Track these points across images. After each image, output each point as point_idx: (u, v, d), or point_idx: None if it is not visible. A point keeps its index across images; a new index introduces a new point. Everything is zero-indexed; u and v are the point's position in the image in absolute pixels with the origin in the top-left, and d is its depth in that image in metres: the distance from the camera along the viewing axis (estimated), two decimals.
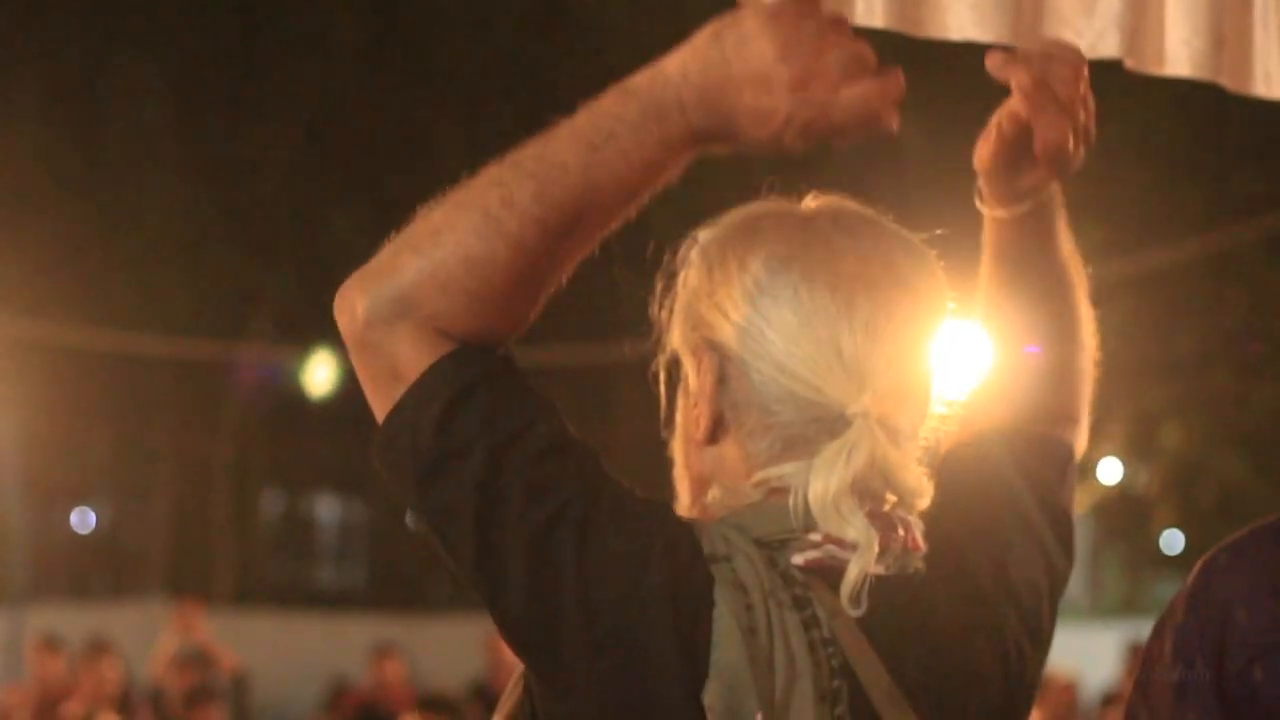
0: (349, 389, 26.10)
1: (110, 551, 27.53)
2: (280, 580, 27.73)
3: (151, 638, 16.97)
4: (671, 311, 1.79)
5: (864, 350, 1.69)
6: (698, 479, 1.77)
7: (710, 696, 1.59)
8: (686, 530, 1.68)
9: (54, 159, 22.78)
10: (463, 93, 23.44)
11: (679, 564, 1.64)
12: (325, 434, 28.43)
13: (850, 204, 1.80)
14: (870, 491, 1.69)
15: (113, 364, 24.26)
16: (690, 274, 1.78)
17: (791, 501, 1.67)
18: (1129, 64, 2.46)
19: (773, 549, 1.68)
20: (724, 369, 1.72)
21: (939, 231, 1.85)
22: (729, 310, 1.72)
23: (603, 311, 8.65)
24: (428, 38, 23.00)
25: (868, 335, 1.69)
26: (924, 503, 1.74)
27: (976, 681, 1.76)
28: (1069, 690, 10.94)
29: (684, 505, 1.79)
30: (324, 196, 23.36)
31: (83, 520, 27.78)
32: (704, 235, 1.79)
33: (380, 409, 1.70)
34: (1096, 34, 2.38)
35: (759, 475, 1.71)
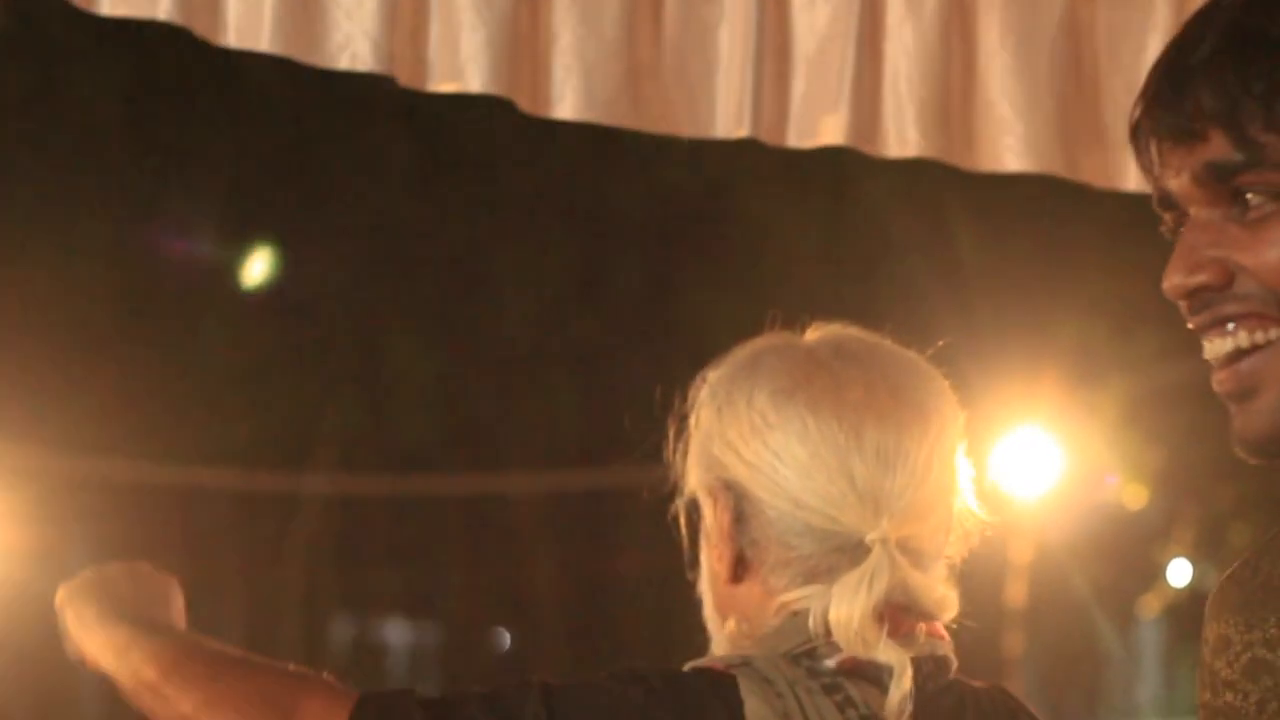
0: (417, 514, 26.17)
1: None
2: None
3: None
4: (685, 454, 1.81)
5: (877, 476, 1.71)
6: (727, 617, 1.79)
7: None
8: (684, 673, 1.69)
9: (113, 293, 22.98)
10: (521, 216, 23.57)
11: (683, 687, 1.64)
12: (393, 559, 28.48)
13: (852, 331, 1.84)
14: (895, 614, 1.71)
15: (176, 499, 24.37)
16: (701, 414, 1.81)
17: (811, 621, 1.70)
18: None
19: (800, 658, 1.69)
20: (740, 507, 1.75)
21: (941, 343, 1.88)
22: (739, 448, 1.75)
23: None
24: (485, 163, 23.17)
25: (879, 461, 1.72)
26: (949, 615, 1.77)
27: None
28: None
29: (717, 645, 1.80)
30: (385, 324, 23.48)
31: None
32: (712, 375, 1.82)
33: None
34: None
35: (778, 601, 1.73)
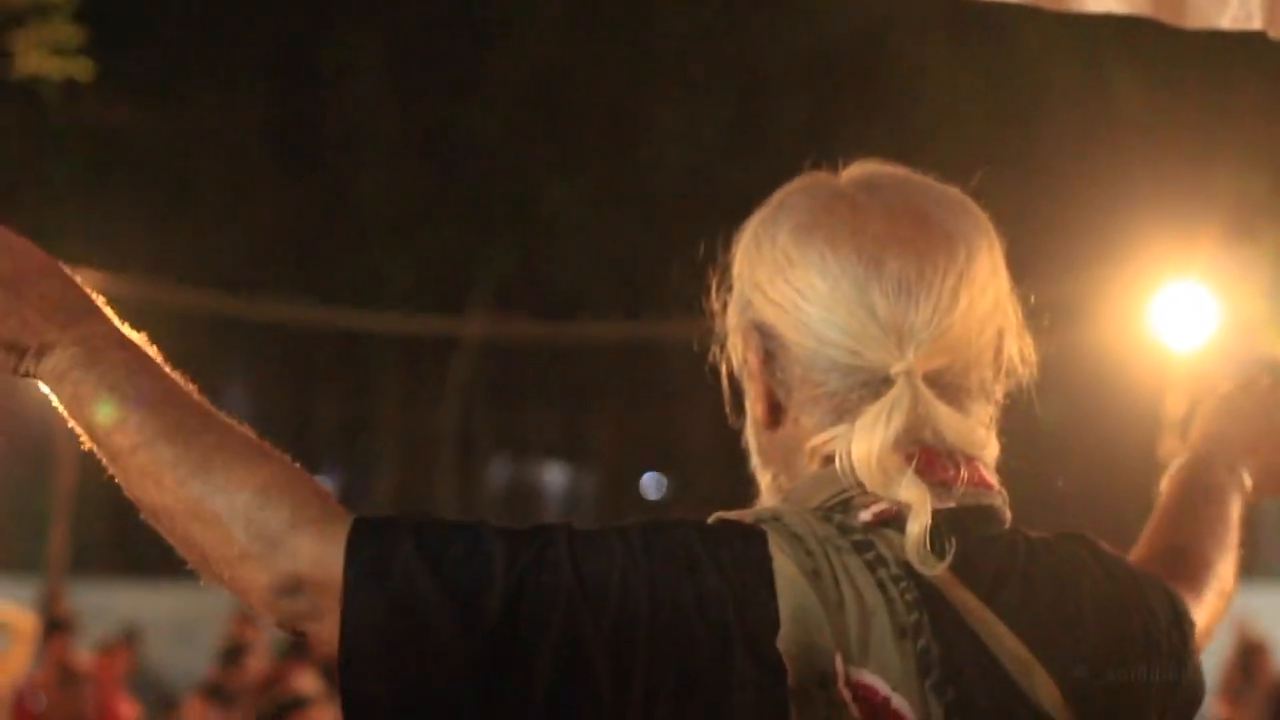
0: (575, 356, 26.38)
1: None
2: None
3: None
4: (726, 300, 1.76)
5: (899, 307, 1.64)
6: (770, 464, 1.73)
7: (784, 642, 1.53)
8: (711, 523, 1.62)
9: (276, 140, 23.26)
10: (676, 68, 23.51)
11: (712, 538, 1.58)
12: (551, 402, 28.78)
13: (882, 166, 1.76)
14: (923, 449, 1.63)
15: (338, 339, 24.76)
16: (737, 258, 1.76)
17: (839, 466, 1.63)
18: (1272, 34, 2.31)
19: (832, 512, 1.62)
20: (769, 348, 1.69)
21: (980, 174, 1.80)
22: (766, 288, 1.70)
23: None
24: (643, 14, 23.11)
25: (901, 291, 1.64)
26: (988, 455, 1.68)
27: (1079, 629, 1.67)
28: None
29: (764, 486, 1.74)
30: (542, 170, 23.59)
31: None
32: (750, 220, 1.76)
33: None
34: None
35: (810, 444, 1.66)
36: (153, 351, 1.66)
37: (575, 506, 30.19)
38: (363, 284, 22.62)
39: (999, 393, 1.72)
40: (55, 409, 1.64)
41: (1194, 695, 1.81)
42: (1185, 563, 1.96)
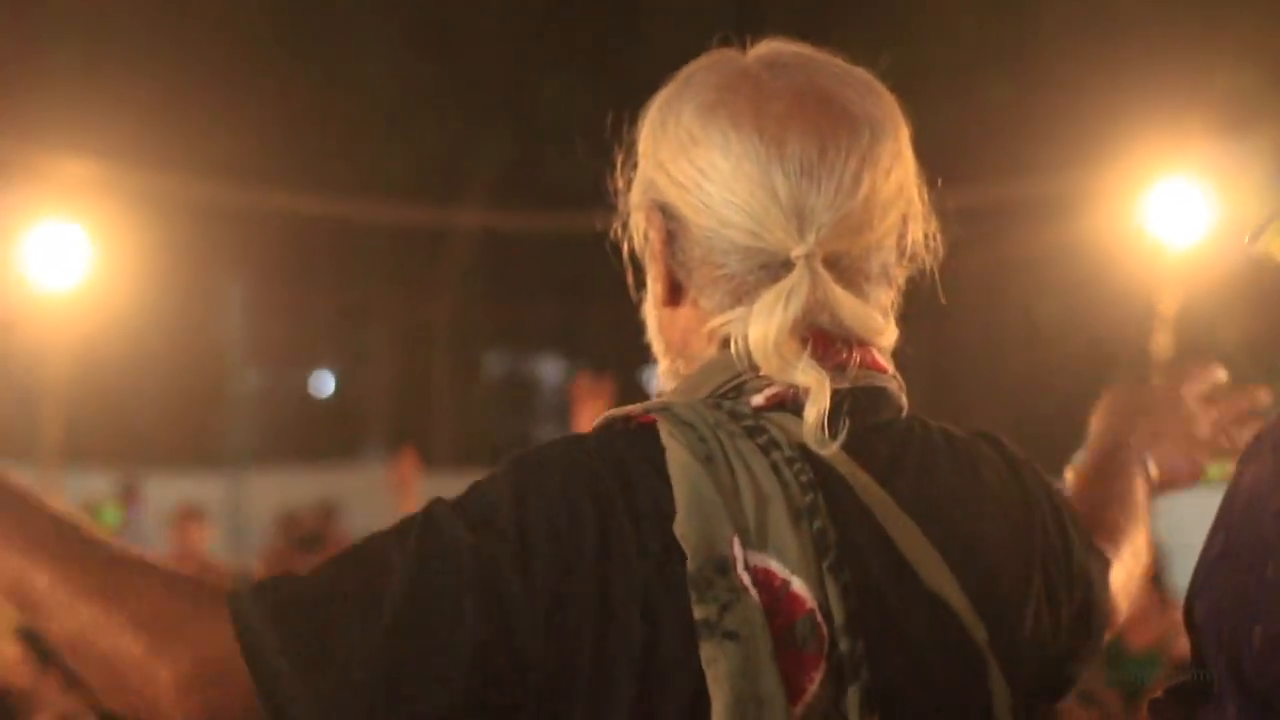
0: (570, 251, 26.35)
1: (335, 415, 28.17)
2: (502, 441, 28.20)
3: (375, 499, 17.46)
4: (630, 177, 1.74)
5: (800, 190, 1.61)
6: (669, 344, 1.73)
7: (680, 526, 1.52)
8: (596, 429, 1.64)
9: (275, 28, 23.14)
10: None
11: (598, 445, 1.59)
12: (547, 295, 28.78)
13: (789, 44, 1.73)
14: (818, 332, 1.62)
15: (335, 230, 24.75)
16: (642, 135, 1.73)
17: (734, 349, 1.62)
18: None
19: (725, 398, 1.62)
20: (671, 228, 1.67)
21: (886, 61, 1.77)
22: (669, 167, 1.67)
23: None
24: None
25: (803, 173, 1.62)
26: (885, 340, 1.68)
27: (978, 526, 1.66)
28: None
29: (662, 370, 1.74)
30: (539, 61, 23.50)
31: (319, 384, 28.36)
32: (656, 97, 1.74)
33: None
34: None
35: (707, 327, 1.65)
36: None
37: (568, 398, 30.23)
38: (360, 174, 22.58)
39: (901, 278, 1.71)
40: None
41: (1088, 619, 1.79)
42: (1097, 520, 1.96)
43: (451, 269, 25.57)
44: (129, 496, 15.88)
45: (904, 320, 1.72)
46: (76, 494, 16.71)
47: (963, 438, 1.72)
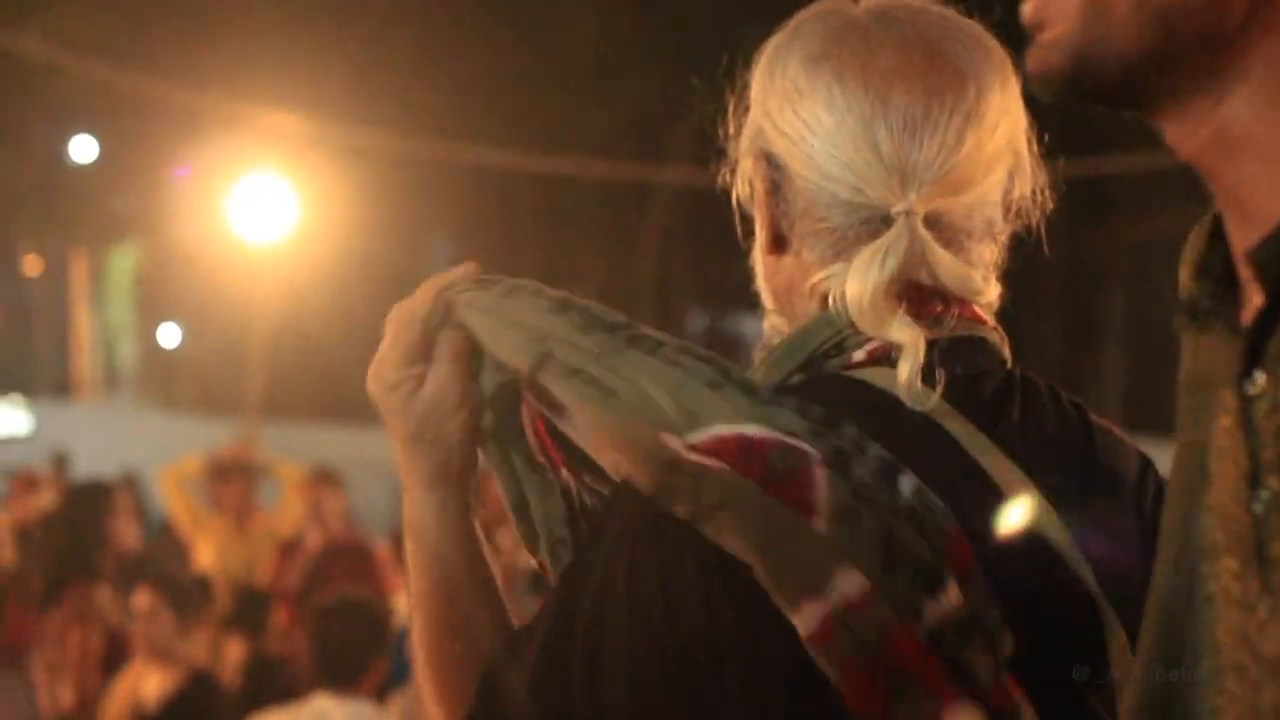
0: None
1: None
2: None
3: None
4: (741, 123, 1.74)
5: (904, 146, 1.60)
6: (775, 292, 1.71)
7: None
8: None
9: None
10: None
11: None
12: (748, 253, 28.75)
13: None
14: (917, 290, 1.60)
15: (539, 185, 24.83)
16: (754, 83, 1.72)
17: (833, 306, 1.61)
18: None
19: (825, 358, 1.62)
20: (775, 178, 1.67)
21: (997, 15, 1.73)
22: (775, 117, 1.66)
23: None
24: None
25: (906, 129, 1.60)
26: (985, 299, 1.65)
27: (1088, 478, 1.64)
28: None
29: (767, 325, 1.73)
30: (742, 15, 23.37)
31: None
32: (767, 44, 1.72)
33: None
34: None
35: (809, 283, 1.64)
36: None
37: None
38: (564, 130, 22.62)
39: (1005, 235, 1.68)
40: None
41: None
42: None
43: (655, 226, 25.55)
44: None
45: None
46: (276, 447, 16.92)
47: (1057, 393, 1.70)
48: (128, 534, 9.31)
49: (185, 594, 7.67)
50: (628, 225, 25.98)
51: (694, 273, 26.95)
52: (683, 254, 26.42)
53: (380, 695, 6.72)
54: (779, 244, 1.68)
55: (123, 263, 30.88)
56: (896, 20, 1.66)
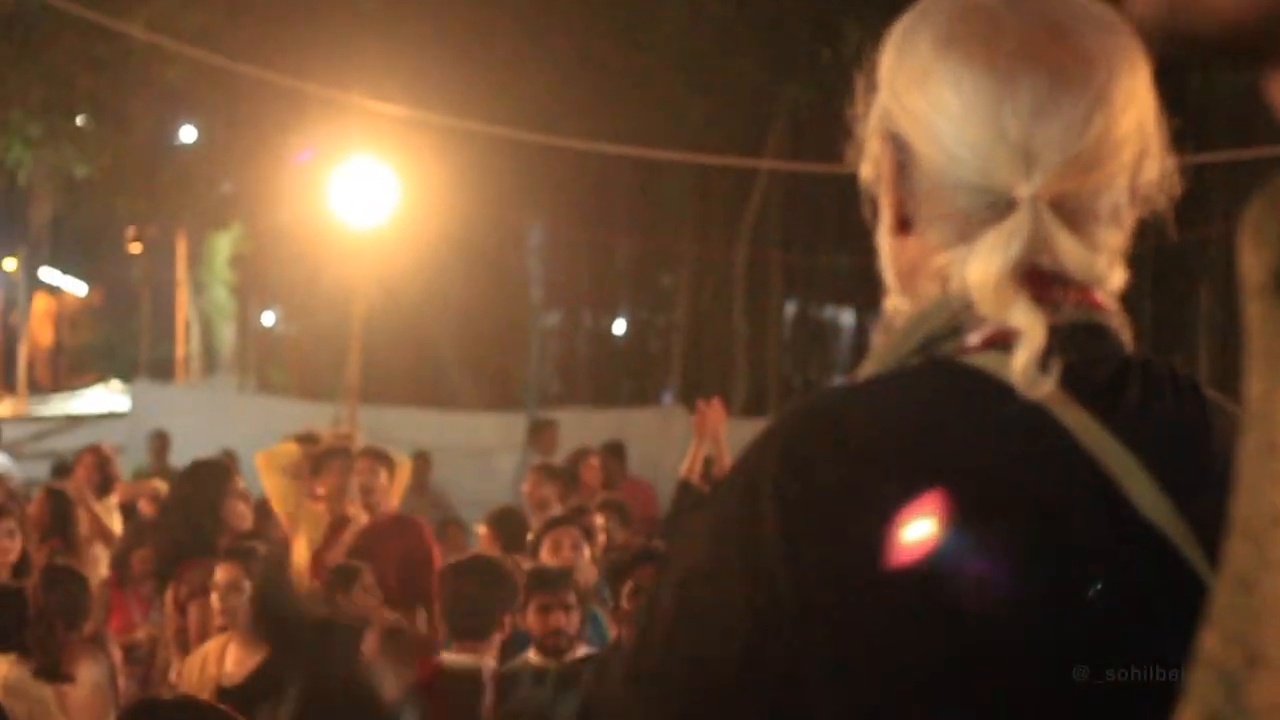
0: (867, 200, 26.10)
1: (630, 357, 28.39)
2: (796, 390, 28.19)
3: (667, 441, 17.52)
4: (870, 103, 1.74)
5: (1030, 129, 1.60)
6: (898, 274, 1.73)
7: None
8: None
9: None
10: None
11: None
12: (846, 247, 28.65)
13: None
14: (1039, 276, 1.61)
15: (634, 173, 24.89)
16: (882, 63, 1.72)
17: (954, 289, 1.63)
18: None
19: (942, 341, 1.63)
20: (901, 159, 1.68)
21: None
22: (902, 98, 1.67)
23: None
24: None
25: (1034, 113, 1.60)
26: (1109, 285, 1.65)
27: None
28: None
29: (888, 306, 1.75)
30: (838, 6, 23.31)
31: (616, 326, 28.63)
32: (897, 24, 1.73)
33: None
34: None
35: (932, 265, 1.66)
36: None
37: (864, 348, 30.15)
38: (661, 118, 22.66)
39: (1131, 219, 1.68)
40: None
41: None
42: None
43: (749, 215, 25.55)
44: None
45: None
46: (373, 433, 17.06)
47: (1178, 375, 1.69)
48: (243, 514, 9.43)
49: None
50: (722, 214, 26.00)
51: (786, 261, 26.92)
52: (776, 243, 26.41)
53: (506, 652, 6.91)
54: (903, 225, 1.69)
55: (224, 246, 31.20)
56: (1024, 2, 1.66)
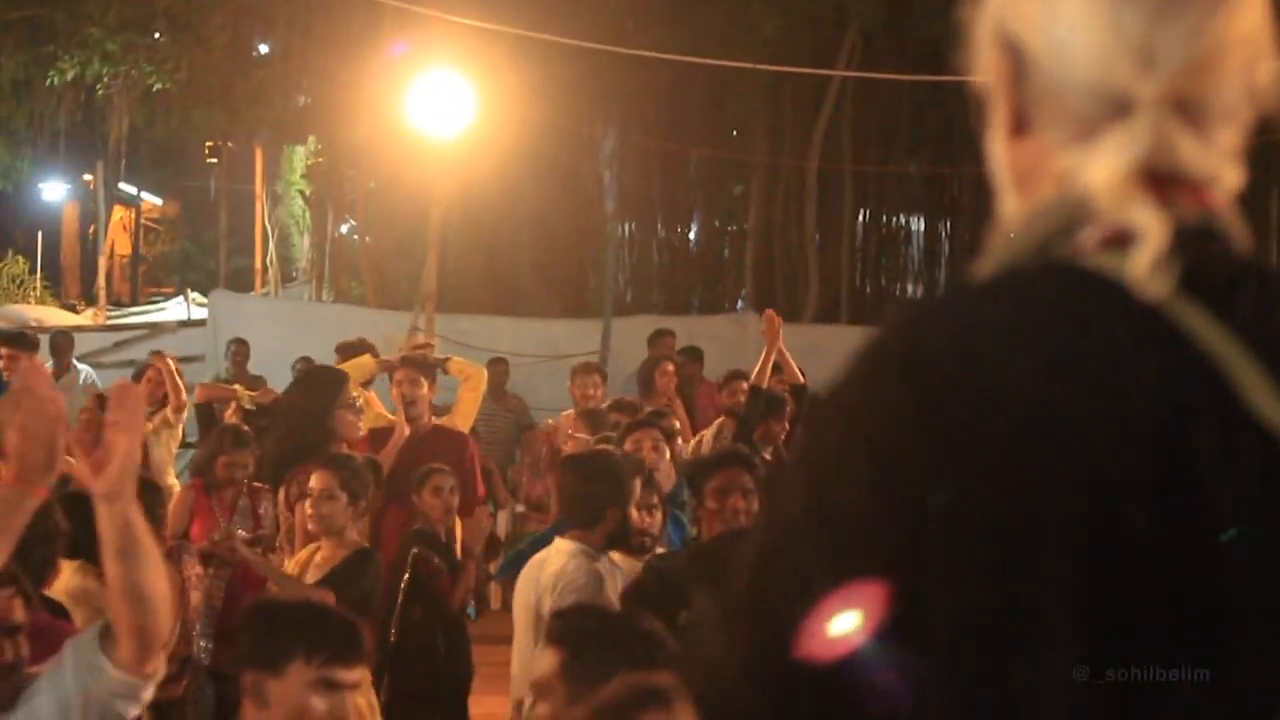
0: (944, 110, 26.08)
1: (704, 265, 28.45)
2: (867, 298, 28.19)
3: (742, 347, 17.69)
4: (983, 8, 1.73)
5: (1149, 30, 1.59)
6: (1014, 176, 1.72)
7: None
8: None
9: None
10: None
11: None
12: (916, 153, 28.57)
13: None
14: (1159, 176, 1.60)
15: (706, 84, 24.91)
16: None
17: (1071, 189, 1.62)
18: None
19: (1058, 241, 1.62)
20: (1018, 61, 1.67)
21: None
22: (1019, 2, 1.67)
23: None
24: None
25: (1154, 15, 1.60)
26: (1227, 183, 1.65)
27: None
28: None
29: (1004, 210, 1.73)
30: None
31: (690, 234, 28.69)
32: None
33: None
34: None
35: (1049, 167, 1.65)
36: None
37: (937, 258, 30.06)
38: (734, 27, 22.65)
39: (1245, 119, 1.67)
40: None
41: None
42: None
43: (821, 124, 25.57)
44: None
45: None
46: (450, 339, 17.26)
47: None
48: (351, 423, 9.58)
49: (358, 476, 8.02)
50: (793, 123, 26.02)
51: (856, 171, 26.91)
52: (846, 152, 26.41)
53: (611, 543, 7.14)
54: (1019, 129, 1.69)
55: (300, 159, 31.43)
56: None
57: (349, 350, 11.83)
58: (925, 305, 1.70)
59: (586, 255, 26.46)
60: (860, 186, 27.58)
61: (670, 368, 12.76)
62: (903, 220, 30.11)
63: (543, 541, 7.56)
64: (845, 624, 1.50)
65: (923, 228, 30.37)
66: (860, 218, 28.65)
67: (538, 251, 26.01)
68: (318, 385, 9.79)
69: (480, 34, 17.85)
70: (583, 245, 26.31)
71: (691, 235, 28.79)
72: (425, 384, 10.14)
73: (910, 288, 29.59)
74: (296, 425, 9.40)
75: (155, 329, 27.00)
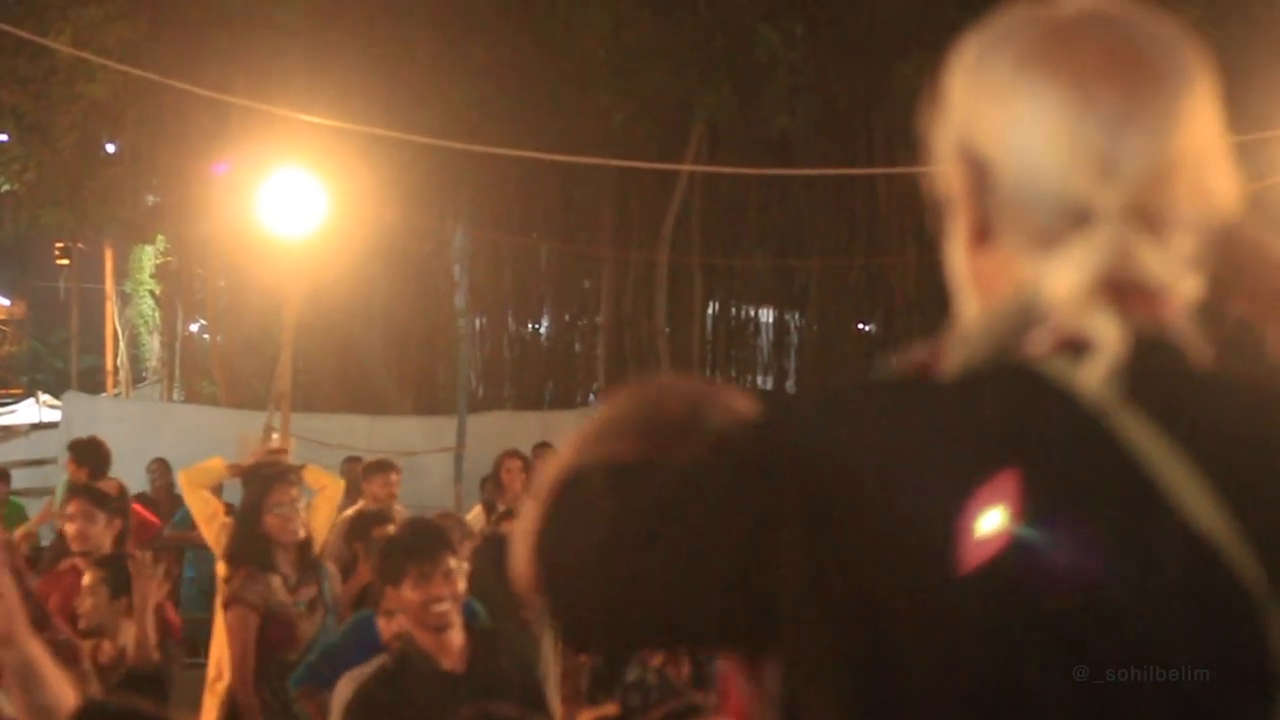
0: (792, 202, 26.42)
1: (556, 358, 28.56)
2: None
3: None
4: (940, 123, 1.77)
5: (1109, 142, 1.63)
6: (976, 284, 1.75)
7: None
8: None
9: None
10: None
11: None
12: (764, 248, 28.88)
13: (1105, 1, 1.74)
14: (1117, 285, 1.63)
15: (555, 179, 25.09)
16: (954, 82, 1.76)
17: (1028, 296, 1.65)
18: None
19: (1012, 344, 1.65)
20: (980, 172, 1.70)
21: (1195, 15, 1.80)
22: (980, 115, 1.70)
23: None
24: None
25: (1115, 126, 1.64)
26: (1184, 292, 1.67)
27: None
28: None
29: (969, 314, 1.75)
30: (755, 11, 23.60)
31: (540, 330, 28.75)
32: (969, 44, 1.76)
33: None
34: None
35: (1012, 274, 1.68)
36: None
37: (786, 349, 30.34)
38: (582, 124, 22.85)
39: (1201, 228, 1.70)
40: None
41: None
42: None
43: (670, 217, 25.81)
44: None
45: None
46: (304, 438, 17.23)
47: (1253, 385, 1.71)
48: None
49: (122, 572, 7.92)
50: (643, 217, 26.24)
51: (706, 263, 27.16)
52: (696, 245, 26.65)
53: None
54: (979, 240, 1.71)
55: (149, 258, 31.28)
56: (1102, 20, 1.69)
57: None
58: (835, 397, 1.70)
59: (438, 351, 26.51)
60: (709, 278, 27.85)
61: (516, 464, 12.63)
62: (751, 312, 30.39)
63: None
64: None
65: (771, 319, 30.66)
66: (710, 309, 28.90)
67: (390, 348, 26.03)
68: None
69: (331, 132, 17.92)
70: (434, 341, 26.36)
71: (543, 329, 28.93)
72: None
73: (760, 378, 29.85)
74: None
75: (7, 432, 26.64)
